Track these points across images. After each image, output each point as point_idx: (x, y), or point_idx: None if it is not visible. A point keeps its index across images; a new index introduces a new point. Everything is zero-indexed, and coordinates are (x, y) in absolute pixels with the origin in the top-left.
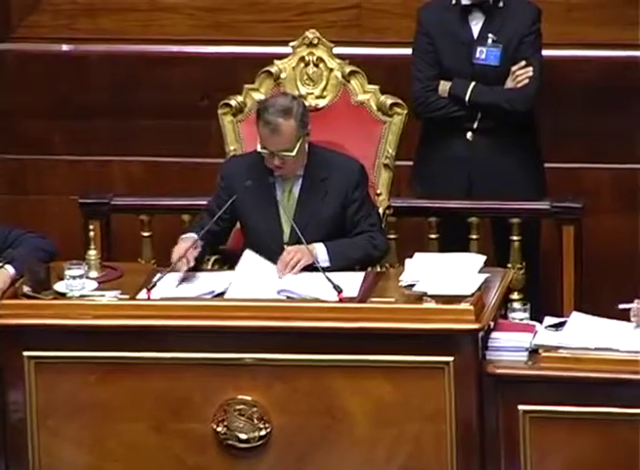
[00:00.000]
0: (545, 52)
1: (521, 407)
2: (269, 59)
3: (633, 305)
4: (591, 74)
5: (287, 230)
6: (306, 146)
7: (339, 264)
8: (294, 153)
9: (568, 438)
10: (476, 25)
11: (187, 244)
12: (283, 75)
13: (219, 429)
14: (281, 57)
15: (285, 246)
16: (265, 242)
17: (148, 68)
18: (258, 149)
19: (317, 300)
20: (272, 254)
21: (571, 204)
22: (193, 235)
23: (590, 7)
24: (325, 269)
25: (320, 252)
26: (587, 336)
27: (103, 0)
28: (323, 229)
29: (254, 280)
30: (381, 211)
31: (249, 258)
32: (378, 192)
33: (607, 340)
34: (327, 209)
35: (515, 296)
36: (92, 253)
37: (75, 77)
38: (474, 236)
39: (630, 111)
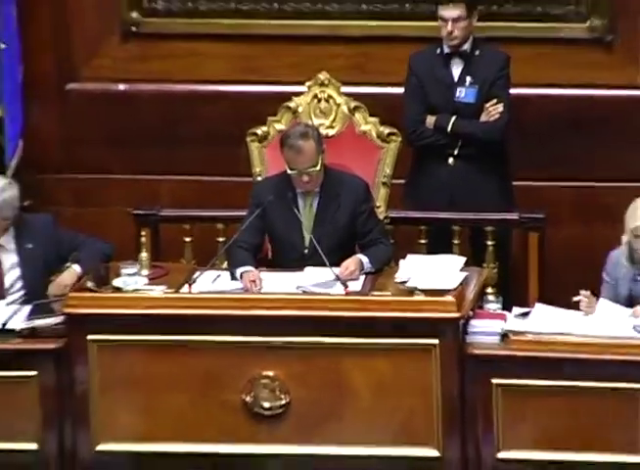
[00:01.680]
0: (516, 90)
1: (494, 381)
2: (288, 96)
3: (580, 298)
4: (554, 109)
5: (307, 239)
6: (324, 165)
7: (376, 267)
8: (318, 167)
9: (534, 407)
10: (456, 70)
11: (253, 274)
12: (300, 109)
13: (247, 399)
14: (298, 94)
15: (305, 251)
16: (288, 249)
17: (189, 103)
18: (288, 171)
19: (328, 293)
20: (294, 259)
21: (536, 215)
22: (251, 268)
23: (555, 53)
24: (368, 273)
25: (365, 260)
26: (548, 323)
27: (153, 48)
28: (337, 237)
29: (278, 279)
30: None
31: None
32: (377, 205)
33: (564, 326)
34: (340, 220)
35: (489, 290)
36: (143, 255)
37: (130, 112)
38: (455, 241)
39: (587, 140)
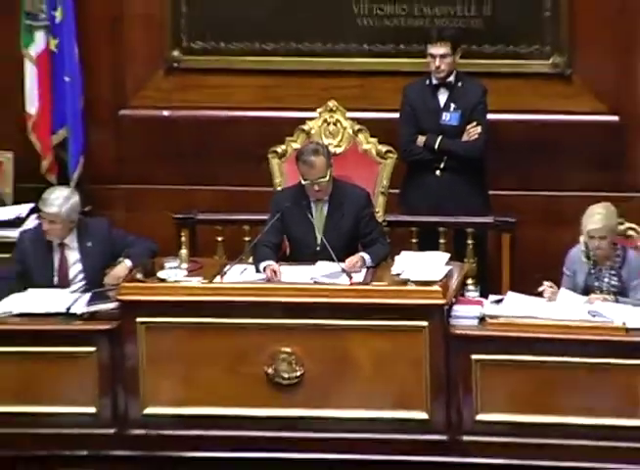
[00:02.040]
0: (492, 115)
1: (473, 357)
2: (303, 120)
3: (544, 287)
4: (524, 131)
5: (318, 239)
6: (332, 179)
7: (375, 262)
8: (327, 178)
9: (506, 378)
10: (442, 98)
11: (274, 267)
12: (312, 131)
13: (269, 371)
14: (311, 119)
15: (317, 248)
16: (302, 247)
17: (221, 126)
18: (302, 182)
19: (336, 283)
20: (307, 255)
21: (508, 219)
22: (272, 262)
23: (524, 85)
24: (369, 267)
25: (366, 257)
26: (518, 308)
27: (191, 80)
28: (343, 237)
29: (294, 272)
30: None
31: (287, 267)
32: (377, 210)
33: (531, 310)
34: (346, 223)
35: (469, 281)
36: (183, 252)
37: (171, 133)
38: (441, 241)
39: (551, 157)
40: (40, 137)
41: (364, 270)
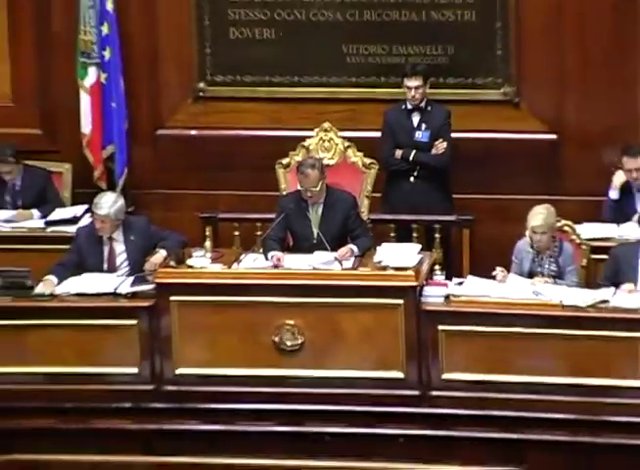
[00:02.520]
0: (455, 134)
1: (439, 327)
2: (303, 138)
3: (497, 272)
4: (481, 146)
5: (314, 233)
6: (325, 185)
7: (361, 252)
8: (317, 188)
9: (466, 344)
10: (415, 120)
11: (279, 256)
12: (311, 147)
13: (275, 339)
14: (310, 137)
15: (314, 241)
16: (302, 240)
17: (238, 143)
18: (299, 188)
19: (329, 269)
20: (306, 247)
21: (467, 217)
22: (278, 252)
23: (481, 110)
24: (356, 256)
25: (354, 248)
26: (476, 289)
27: (213, 106)
28: (335, 232)
29: (295, 260)
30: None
31: (290, 256)
32: (362, 210)
33: (486, 290)
34: (336, 221)
35: (436, 267)
36: (207, 244)
37: (198, 149)
38: (414, 235)
39: (502, 166)
40: (93, 152)
41: (352, 259)
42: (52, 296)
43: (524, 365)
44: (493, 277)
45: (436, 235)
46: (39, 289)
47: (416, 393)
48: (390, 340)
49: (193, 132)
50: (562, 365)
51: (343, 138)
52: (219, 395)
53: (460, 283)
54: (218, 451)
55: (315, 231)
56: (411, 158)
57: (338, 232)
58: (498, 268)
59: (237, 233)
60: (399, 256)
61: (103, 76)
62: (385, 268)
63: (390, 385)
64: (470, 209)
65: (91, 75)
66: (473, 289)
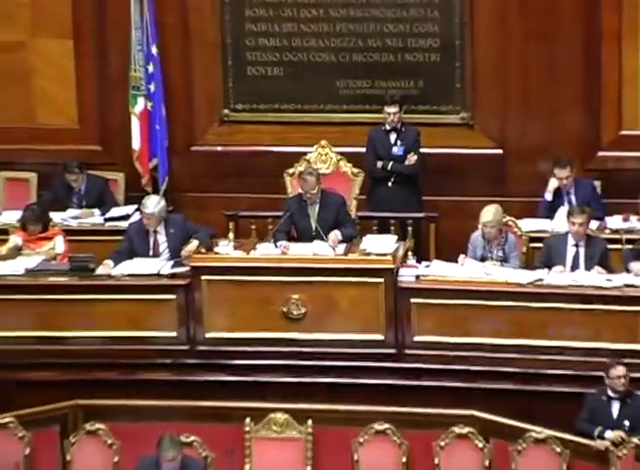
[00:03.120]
0: (423, 149)
1: (412, 300)
2: (305, 153)
3: (460, 259)
4: (443, 159)
5: (313, 227)
6: (320, 189)
7: (345, 237)
8: (314, 191)
9: (431, 313)
10: (392, 138)
11: (286, 245)
12: (311, 159)
13: (284, 309)
14: (310, 152)
15: (313, 233)
16: (304, 233)
17: (254, 156)
18: (301, 191)
19: (325, 254)
20: (307, 237)
21: (433, 214)
22: (285, 242)
23: (443, 130)
24: (345, 242)
25: (338, 233)
26: (440, 270)
27: (235, 128)
28: (329, 226)
29: (298, 247)
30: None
31: (294, 244)
32: (351, 209)
33: (448, 271)
34: (330, 217)
35: (409, 253)
36: (230, 235)
37: (224, 161)
38: (392, 228)
39: (461, 175)
40: (141, 164)
41: (343, 246)
42: (109, 276)
43: (477, 329)
44: (455, 261)
45: (409, 228)
46: (99, 271)
47: (393, 351)
48: (373, 310)
49: (219, 148)
50: (507, 329)
51: (337, 153)
52: (239, 353)
53: (427, 266)
54: (239, 397)
55: (314, 225)
56: (389, 168)
57: (331, 225)
58: (462, 255)
59: (253, 227)
60: (380, 244)
61: (149, 105)
62: (369, 254)
63: (373, 345)
64: (435, 208)
65: (140, 104)
66: (437, 270)
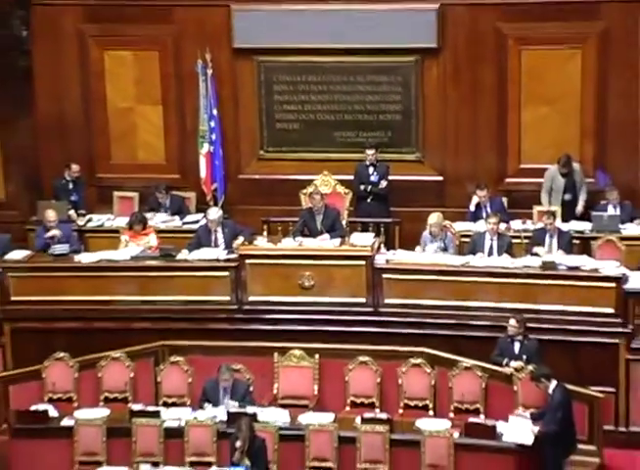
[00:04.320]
0: (392, 177)
1: (383, 276)
2: (313, 179)
3: (417, 249)
4: (406, 185)
5: (319, 228)
6: (324, 204)
7: (333, 237)
8: (320, 205)
9: (398, 283)
10: (371, 170)
11: (301, 240)
12: (317, 184)
13: (300, 282)
14: (317, 179)
15: (319, 231)
16: (313, 231)
17: (281, 182)
18: (310, 205)
19: (326, 246)
20: (314, 235)
21: (398, 220)
22: (301, 238)
23: (402, 164)
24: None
25: (327, 236)
26: (402, 256)
27: (266, 164)
28: (328, 228)
29: (309, 241)
30: (344, 223)
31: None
32: (343, 217)
33: (409, 257)
34: (329, 222)
35: (382, 246)
36: (264, 233)
37: (260, 185)
38: (370, 229)
39: (415, 194)
40: (206, 187)
41: (339, 240)
42: (185, 260)
43: (427, 295)
44: (413, 250)
45: (382, 229)
46: (179, 256)
47: (371, 309)
48: (358, 282)
49: (256, 176)
50: (446, 295)
51: (334, 179)
52: (270, 310)
53: (394, 253)
54: (270, 339)
55: (319, 227)
56: (369, 190)
57: (329, 228)
58: (417, 247)
59: (280, 228)
60: (363, 239)
61: (211, 148)
62: (355, 246)
63: (358, 305)
64: (399, 215)
65: (205, 148)
66: (400, 256)
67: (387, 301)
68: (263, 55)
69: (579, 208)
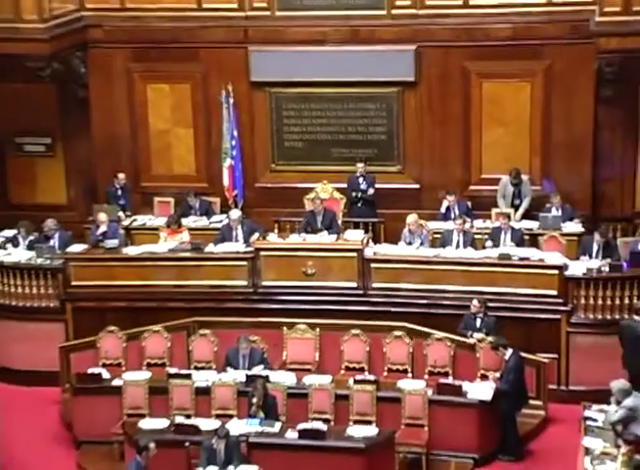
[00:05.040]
0: (378, 185)
1: (371, 265)
2: (314, 187)
3: (399, 243)
4: (388, 192)
5: (319, 227)
6: (323, 207)
7: (330, 234)
8: (319, 208)
9: (384, 271)
10: (361, 180)
11: (305, 234)
12: (318, 190)
13: (304, 269)
14: (317, 187)
15: (319, 229)
16: (314, 229)
17: (288, 190)
18: (312, 207)
19: (325, 240)
20: (315, 231)
21: (382, 220)
22: (304, 234)
23: (384, 176)
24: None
25: (326, 232)
26: (387, 249)
27: (278, 175)
28: (326, 226)
29: (312, 237)
30: (339, 222)
31: (308, 235)
32: (339, 218)
33: (392, 250)
34: (327, 222)
35: (371, 241)
36: (275, 231)
37: (272, 192)
38: (361, 227)
39: (397, 200)
40: (228, 193)
41: (335, 236)
42: (211, 252)
43: (406, 280)
44: (396, 244)
45: (370, 227)
46: (207, 249)
47: (361, 292)
48: (351, 270)
49: (269, 185)
50: (422, 280)
51: (332, 187)
52: (280, 293)
53: (380, 247)
54: (280, 316)
55: (319, 226)
56: (359, 196)
57: (327, 226)
58: (401, 242)
59: (287, 226)
60: (355, 235)
61: (232, 162)
62: (348, 240)
63: (351, 288)
64: (383, 216)
65: (227, 161)
66: (385, 249)
67: (374, 285)
68: (274, 87)
69: (518, 215)
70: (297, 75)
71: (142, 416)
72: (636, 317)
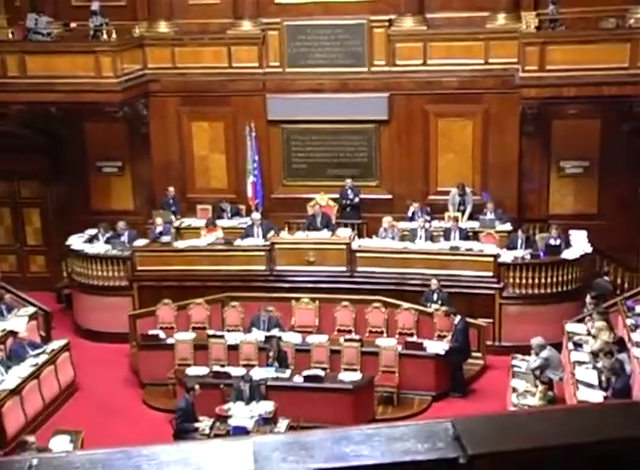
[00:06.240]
0: (363, 196)
1: (357, 254)
2: (314, 197)
3: (377, 238)
4: (371, 202)
5: (319, 226)
6: (321, 211)
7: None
8: (319, 212)
9: (370, 259)
10: (349, 192)
11: (308, 232)
12: (317, 199)
13: (307, 258)
14: (316, 197)
15: (318, 228)
16: (314, 229)
17: (296, 200)
18: (313, 212)
19: (324, 236)
20: (315, 230)
21: (366, 221)
22: (307, 232)
23: (369, 188)
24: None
25: (325, 230)
26: (370, 242)
27: (289, 188)
28: (324, 226)
29: (314, 234)
30: (333, 223)
31: (311, 233)
32: (333, 220)
33: (374, 243)
34: (324, 222)
35: (356, 237)
36: (286, 229)
37: (284, 202)
38: (349, 227)
39: (377, 207)
40: (251, 202)
41: (330, 233)
42: (239, 245)
43: (383, 266)
44: (375, 237)
45: (356, 227)
46: (235, 243)
47: (349, 274)
48: (342, 258)
49: (281, 196)
50: (396, 265)
51: (327, 197)
52: (290, 275)
53: (363, 241)
54: (289, 292)
55: (319, 225)
56: (348, 203)
57: (325, 226)
58: (378, 237)
59: (295, 226)
60: (345, 233)
61: (254, 179)
62: (340, 237)
63: (341, 272)
64: (366, 219)
65: (250, 178)
66: (367, 243)
67: (359, 269)
68: (285, 124)
69: (464, 218)
70: (302, 115)
71: (189, 365)
72: (605, 278)
